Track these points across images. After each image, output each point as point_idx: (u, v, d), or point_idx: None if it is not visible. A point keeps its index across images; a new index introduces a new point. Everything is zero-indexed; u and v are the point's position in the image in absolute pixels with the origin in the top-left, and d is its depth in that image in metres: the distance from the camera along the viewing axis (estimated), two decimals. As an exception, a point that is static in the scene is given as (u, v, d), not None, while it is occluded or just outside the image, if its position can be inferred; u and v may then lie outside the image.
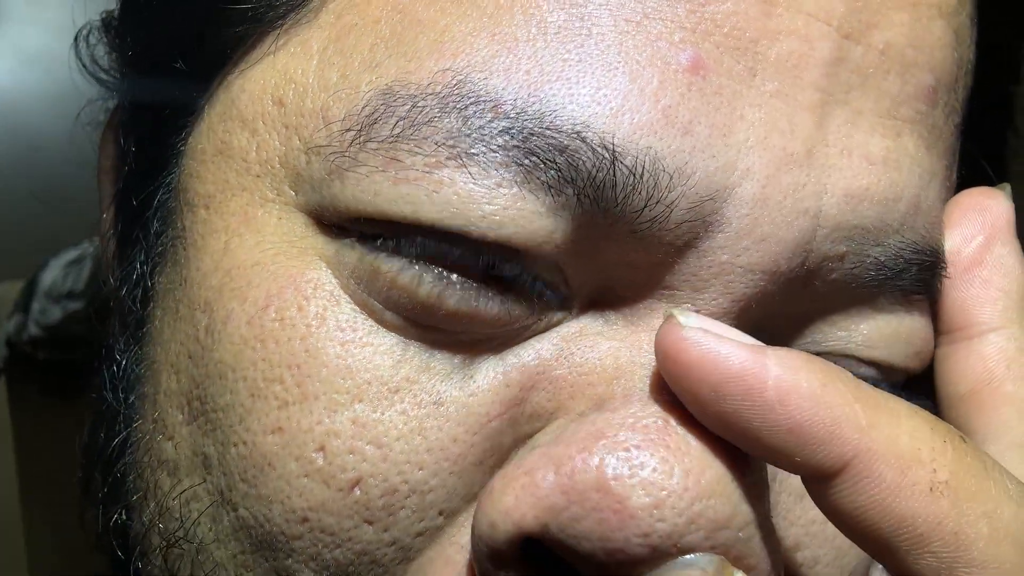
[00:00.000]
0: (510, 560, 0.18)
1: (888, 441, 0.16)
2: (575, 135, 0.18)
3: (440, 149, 0.18)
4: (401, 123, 0.18)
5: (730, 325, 0.19)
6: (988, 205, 0.22)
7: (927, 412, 0.17)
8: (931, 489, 0.16)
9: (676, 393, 0.18)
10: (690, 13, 0.18)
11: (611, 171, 0.18)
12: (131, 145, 0.26)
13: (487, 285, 0.19)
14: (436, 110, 0.18)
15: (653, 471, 0.17)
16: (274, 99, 0.21)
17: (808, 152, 0.19)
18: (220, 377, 0.20)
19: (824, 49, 0.19)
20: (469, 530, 0.19)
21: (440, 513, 0.19)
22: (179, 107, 0.24)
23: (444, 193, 0.18)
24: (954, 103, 0.22)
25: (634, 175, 0.18)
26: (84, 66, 0.31)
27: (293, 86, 0.20)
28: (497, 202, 0.18)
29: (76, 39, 0.31)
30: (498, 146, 0.18)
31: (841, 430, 0.16)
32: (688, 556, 0.17)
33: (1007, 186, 0.24)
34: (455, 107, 0.18)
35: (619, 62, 0.18)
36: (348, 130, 0.19)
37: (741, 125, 0.18)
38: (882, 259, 0.20)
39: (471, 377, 0.19)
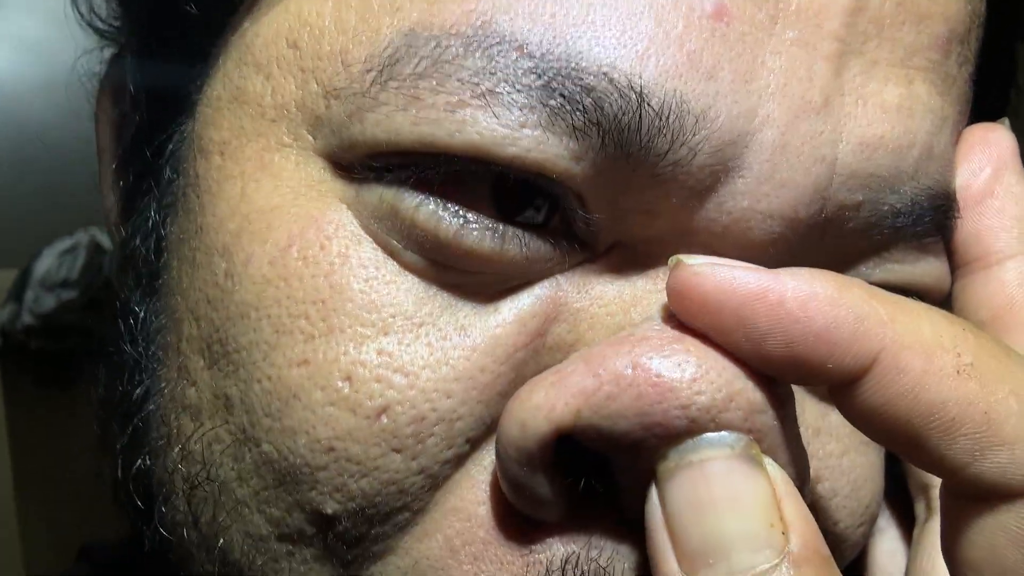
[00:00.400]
0: (540, 464, 0.18)
1: (911, 332, 0.16)
2: (602, 76, 0.18)
3: (463, 87, 0.18)
4: (424, 62, 0.18)
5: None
6: (993, 138, 0.22)
7: (946, 312, 0.17)
8: (958, 372, 0.16)
9: (703, 328, 0.17)
10: None
11: (637, 112, 0.18)
12: (141, 94, 0.25)
13: (507, 226, 0.19)
14: (460, 49, 0.18)
15: (687, 353, 0.17)
16: (289, 42, 0.21)
17: (826, 100, 0.19)
18: (242, 317, 0.20)
19: None
20: (492, 452, 0.19)
21: (467, 441, 0.19)
22: (190, 55, 0.24)
23: (466, 132, 0.18)
24: (967, 53, 0.22)
25: (660, 117, 0.18)
26: (81, 15, 0.30)
27: (308, 29, 0.20)
28: (520, 143, 0.18)
29: None
30: (523, 86, 0.18)
31: (865, 326, 0.16)
32: (717, 433, 0.17)
33: (1006, 120, 0.24)
34: (480, 46, 0.18)
35: (644, 6, 0.18)
36: (369, 71, 0.19)
37: (762, 72, 0.18)
38: (898, 206, 0.20)
39: (496, 310, 0.20)
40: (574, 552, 0.19)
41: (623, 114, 0.18)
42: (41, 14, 1.57)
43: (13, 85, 1.67)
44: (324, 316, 0.19)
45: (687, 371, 0.17)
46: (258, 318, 0.19)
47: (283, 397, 0.19)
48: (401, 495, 0.19)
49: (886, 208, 0.20)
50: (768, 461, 0.17)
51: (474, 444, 0.20)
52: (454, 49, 0.18)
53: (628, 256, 0.20)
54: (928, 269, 0.22)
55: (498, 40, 0.18)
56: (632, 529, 0.19)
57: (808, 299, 0.16)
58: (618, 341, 0.18)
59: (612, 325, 0.20)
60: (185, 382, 0.21)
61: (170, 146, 0.24)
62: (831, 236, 0.20)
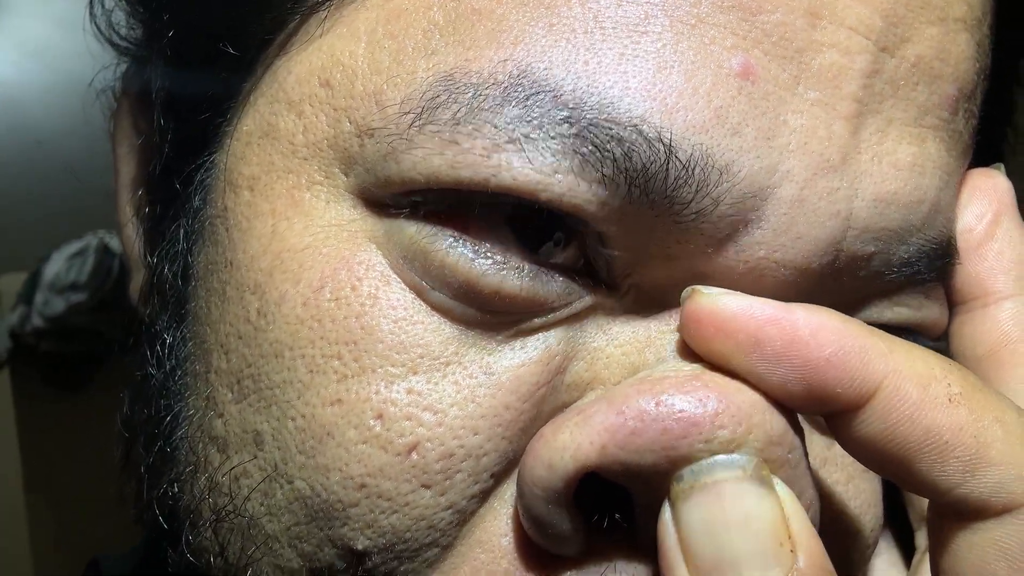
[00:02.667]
0: (564, 501, 0.19)
1: (909, 363, 0.17)
2: (632, 127, 0.18)
3: (500, 133, 0.19)
4: (463, 108, 0.19)
5: None
6: (992, 185, 0.23)
7: (930, 350, 0.18)
8: (949, 400, 0.17)
9: (711, 354, 0.19)
10: (741, 21, 0.19)
11: (665, 164, 0.18)
12: (171, 123, 0.26)
13: (533, 266, 0.20)
14: (499, 98, 0.19)
15: (707, 389, 0.18)
16: (321, 81, 0.21)
17: (843, 159, 0.20)
18: (276, 356, 0.20)
19: (862, 62, 0.20)
20: (513, 486, 0.20)
21: (492, 476, 0.20)
22: (222, 88, 0.24)
23: (502, 177, 0.19)
24: (972, 108, 0.23)
25: (687, 169, 0.19)
26: (99, 29, 0.30)
27: (341, 68, 0.21)
28: (553, 189, 0.19)
29: (91, 2, 0.30)
30: (557, 134, 0.18)
31: (870, 356, 0.17)
32: (729, 456, 0.17)
33: (1001, 165, 0.25)
34: (516, 96, 0.19)
35: (674, 61, 0.19)
36: (407, 113, 0.19)
37: (784, 130, 0.19)
38: (906, 256, 0.21)
39: (521, 348, 0.20)
40: None
41: (651, 164, 0.18)
42: (48, 19, 1.58)
43: (20, 90, 1.68)
44: (356, 357, 0.20)
45: (708, 406, 0.17)
46: (292, 357, 0.20)
47: (317, 435, 0.20)
48: (430, 531, 0.20)
49: (895, 259, 0.21)
50: (777, 481, 0.17)
51: (497, 479, 0.20)
52: (492, 98, 0.19)
53: (644, 298, 0.21)
54: (929, 312, 0.23)
55: (535, 91, 0.19)
56: (646, 558, 0.19)
57: (818, 327, 0.17)
58: (639, 381, 0.18)
59: (627, 364, 0.20)
60: (213, 413, 0.22)
61: (199, 175, 0.24)
62: (841, 283, 0.21)
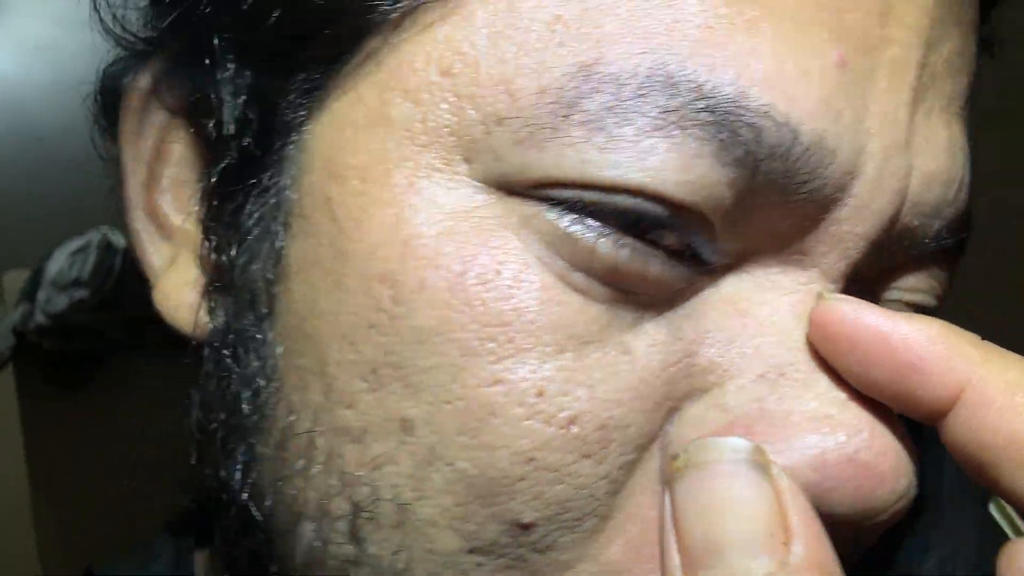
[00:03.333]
0: None
1: (998, 372, 0.18)
2: (763, 114, 0.20)
3: (647, 121, 0.20)
4: (611, 99, 0.20)
5: (841, 284, 0.23)
6: None
7: None
8: None
9: (829, 355, 0.21)
10: (832, 19, 0.21)
11: (790, 146, 0.21)
12: (232, 118, 0.25)
13: (655, 248, 0.21)
14: (643, 89, 0.20)
15: (880, 438, 0.20)
16: (441, 70, 0.21)
17: (906, 141, 0.22)
18: (421, 342, 0.21)
19: (916, 55, 0.23)
20: (654, 460, 0.22)
21: (635, 448, 0.22)
22: (307, 79, 0.24)
23: (650, 161, 0.20)
24: (973, 98, 0.26)
25: (808, 151, 0.21)
26: (107, 27, 0.29)
27: (462, 57, 0.21)
28: (694, 171, 0.20)
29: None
30: (700, 122, 0.20)
31: (954, 362, 0.19)
32: (725, 437, 0.19)
33: None
34: (659, 88, 0.20)
35: (788, 53, 0.21)
36: (550, 102, 0.20)
37: (867, 114, 0.22)
38: (939, 228, 0.24)
39: (653, 328, 0.22)
40: None
41: (778, 147, 0.21)
42: (48, 16, 1.58)
43: (21, 87, 1.68)
44: (510, 338, 0.21)
45: (889, 460, 0.20)
46: (442, 342, 0.20)
47: (479, 415, 0.20)
48: (590, 499, 0.21)
49: (932, 230, 0.24)
50: (777, 470, 0.18)
51: (639, 451, 0.22)
52: (637, 88, 0.20)
53: (756, 273, 0.23)
54: (942, 275, 0.26)
55: (675, 82, 0.20)
56: None
57: (909, 335, 0.19)
58: (814, 422, 0.21)
59: (761, 356, 0.22)
60: (338, 405, 0.22)
61: (280, 168, 0.24)
62: (886, 252, 0.24)
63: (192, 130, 0.28)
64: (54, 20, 1.53)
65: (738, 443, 0.18)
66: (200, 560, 0.34)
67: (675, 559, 0.18)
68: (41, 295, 1.67)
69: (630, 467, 0.21)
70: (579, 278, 0.21)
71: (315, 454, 0.22)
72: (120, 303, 1.71)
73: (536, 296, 0.21)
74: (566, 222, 0.21)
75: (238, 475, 0.24)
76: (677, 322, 0.22)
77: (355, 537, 0.21)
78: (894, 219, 0.23)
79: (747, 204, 0.21)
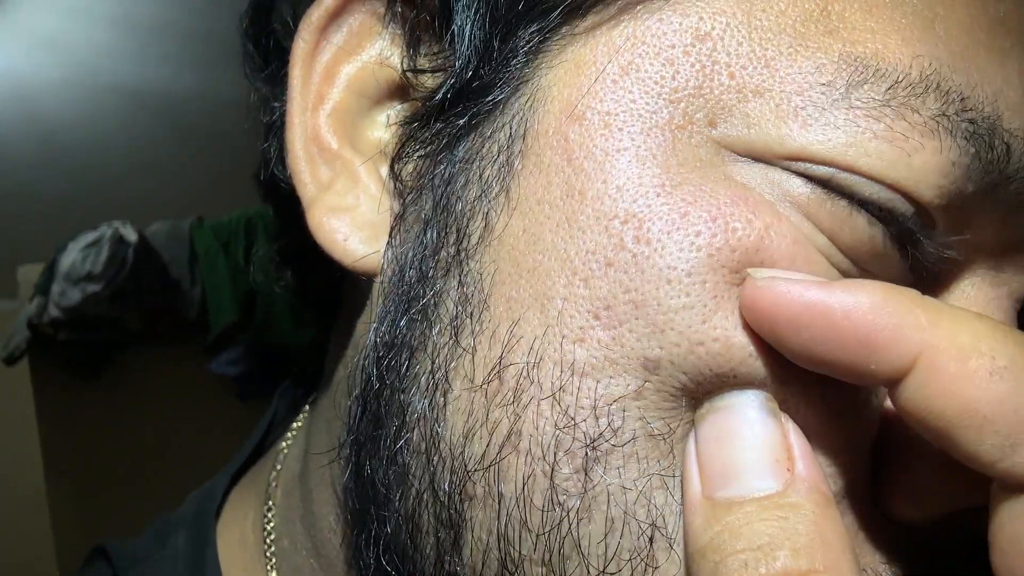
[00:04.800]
0: None
1: (948, 337, 0.18)
2: (1019, 137, 0.21)
3: (921, 120, 0.21)
4: (890, 91, 0.21)
5: (1018, 304, 0.23)
6: None
7: (993, 318, 0.19)
8: (991, 374, 0.17)
9: (767, 339, 0.20)
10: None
11: (1021, 163, 0.21)
12: (475, 44, 0.25)
13: (892, 239, 0.22)
14: (920, 90, 0.21)
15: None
16: (697, 35, 0.22)
17: None
18: (668, 282, 0.21)
19: None
20: None
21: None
22: (549, 17, 0.24)
23: (917, 158, 0.21)
24: None
25: None
26: None
27: (721, 27, 0.22)
28: (949, 176, 0.21)
29: None
30: (965, 132, 0.21)
31: (903, 331, 0.18)
32: (742, 390, 0.20)
33: None
34: (935, 89, 0.21)
35: (1016, 76, 0.22)
36: (823, 84, 0.21)
37: None
38: None
39: None
40: None
41: (1018, 162, 0.21)
42: (59, 9, 1.57)
43: (33, 81, 1.69)
44: None
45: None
46: (691, 283, 0.21)
47: (737, 357, 0.21)
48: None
49: None
50: (785, 417, 0.20)
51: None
52: (913, 88, 0.21)
53: (942, 292, 0.23)
54: None
55: (947, 89, 0.21)
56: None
57: (853, 307, 0.19)
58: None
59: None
60: (564, 340, 0.22)
61: (506, 101, 0.24)
62: None
63: (395, 41, 0.27)
64: (64, 13, 1.53)
65: (753, 393, 0.20)
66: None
67: (696, 485, 0.20)
68: (55, 288, 1.69)
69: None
70: (823, 241, 0.21)
71: (532, 389, 0.22)
72: (132, 296, 1.73)
73: (787, 249, 0.21)
74: (819, 191, 0.21)
75: (422, 401, 0.24)
76: None
77: (584, 469, 0.21)
78: None
79: (968, 217, 0.22)
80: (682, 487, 0.20)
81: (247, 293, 1.77)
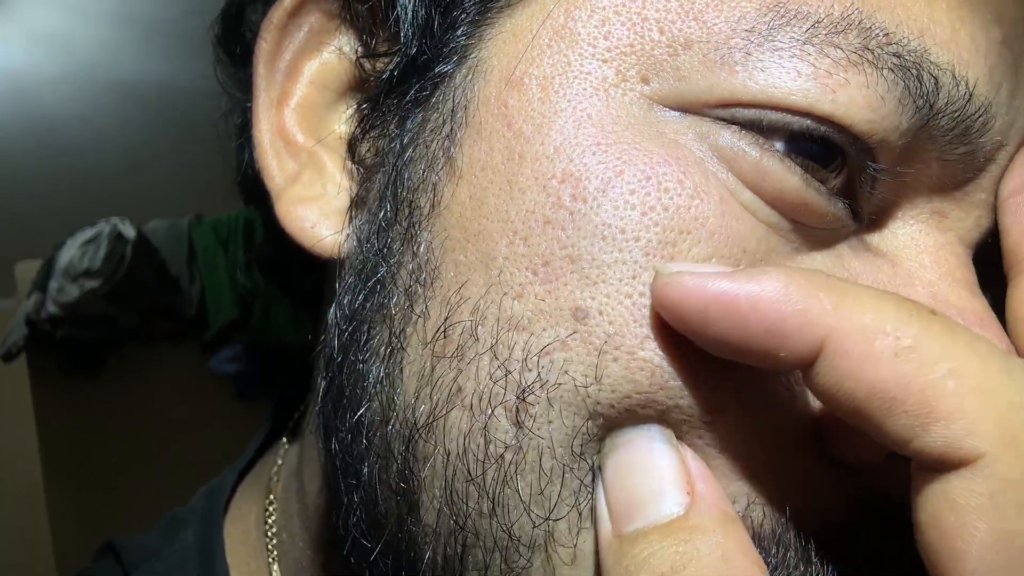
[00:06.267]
0: None
1: (853, 319, 0.18)
2: (947, 71, 0.22)
3: (843, 56, 0.21)
4: (811, 30, 0.21)
5: (972, 251, 0.23)
6: None
7: (899, 295, 0.19)
8: (896, 355, 0.17)
9: (681, 332, 0.20)
10: (994, 4, 0.23)
11: (964, 105, 0.22)
12: (416, 26, 0.26)
13: (819, 183, 0.22)
14: (839, 28, 0.21)
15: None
16: None
17: None
18: (603, 238, 0.21)
19: None
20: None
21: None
22: None
23: (843, 92, 0.21)
24: None
25: (976, 113, 0.22)
26: None
27: None
28: (880, 110, 0.21)
29: None
30: (891, 65, 0.21)
31: (808, 318, 0.18)
32: (640, 425, 0.21)
33: None
34: (857, 26, 0.21)
35: (961, 25, 0.22)
36: (746, 30, 0.22)
37: (1019, 92, 0.23)
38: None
39: (804, 263, 0.23)
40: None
41: (954, 103, 0.22)
42: (57, 6, 1.57)
43: (32, 77, 1.69)
44: (691, 245, 0.21)
45: None
46: (625, 239, 0.21)
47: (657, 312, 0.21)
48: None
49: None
50: (682, 446, 0.20)
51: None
52: (833, 26, 0.21)
53: (897, 228, 0.24)
54: None
55: (869, 26, 0.21)
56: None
57: (758, 297, 0.19)
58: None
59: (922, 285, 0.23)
60: (504, 297, 0.22)
61: (445, 75, 0.25)
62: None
63: (350, 35, 0.28)
64: (63, 10, 1.53)
65: (652, 428, 0.21)
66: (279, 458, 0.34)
67: (606, 525, 0.20)
68: (53, 285, 1.69)
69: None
70: (748, 196, 0.22)
71: (474, 345, 0.22)
72: (130, 293, 1.73)
73: (715, 208, 0.21)
74: (744, 142, 0.22)
75: (380, 369, 0.24)
76: (829, 261, 0.23)
77: (516, 421, 0.22)
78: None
79: (907, 156, 0.22)
80: (594, 530, 0.20)
81: (246, 291, 1.77)
